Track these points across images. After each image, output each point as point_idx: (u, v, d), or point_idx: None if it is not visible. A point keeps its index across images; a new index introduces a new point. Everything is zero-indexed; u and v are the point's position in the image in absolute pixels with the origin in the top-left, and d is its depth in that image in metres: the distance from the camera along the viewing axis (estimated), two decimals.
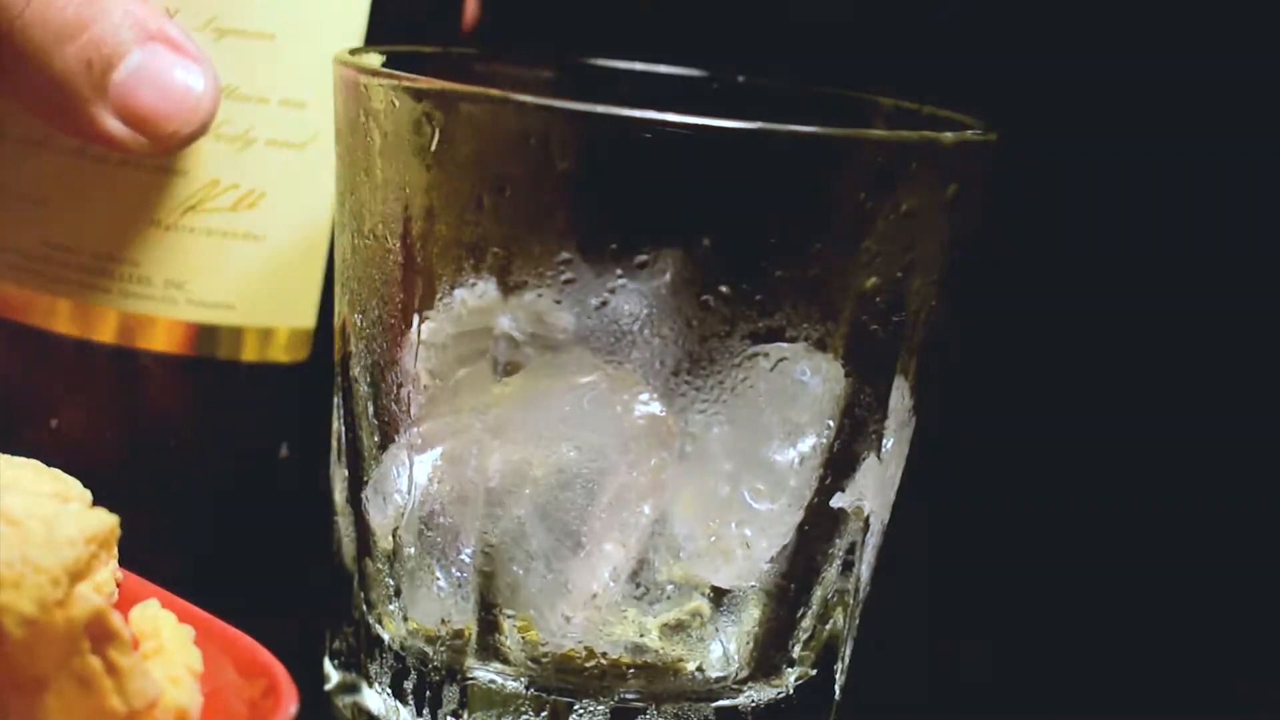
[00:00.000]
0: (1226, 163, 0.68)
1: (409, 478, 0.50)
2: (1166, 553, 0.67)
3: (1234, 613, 0.65)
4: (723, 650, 0.50)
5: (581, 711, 0.49)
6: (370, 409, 0.51)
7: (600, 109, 0.46)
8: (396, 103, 0.48)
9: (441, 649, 0.50)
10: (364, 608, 0.52)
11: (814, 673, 0.52)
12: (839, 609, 0.51)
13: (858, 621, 0.53)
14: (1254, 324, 0.69)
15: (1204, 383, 0.70)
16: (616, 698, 0.49)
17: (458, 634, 0.50)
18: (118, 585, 0.46)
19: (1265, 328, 0.69)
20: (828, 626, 0.51)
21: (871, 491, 0.50)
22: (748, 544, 0.49)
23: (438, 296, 0.48)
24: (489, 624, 0.49)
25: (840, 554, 0.50)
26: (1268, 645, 0.64)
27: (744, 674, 0.50)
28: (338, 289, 0.52)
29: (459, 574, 0.49)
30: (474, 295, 0.48)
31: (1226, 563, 0.67)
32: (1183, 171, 0.69)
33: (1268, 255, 0.68)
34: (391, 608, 0.51)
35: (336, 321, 0.52)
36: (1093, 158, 0.69)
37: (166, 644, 0.44)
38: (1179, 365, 0.70)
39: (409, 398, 0.49)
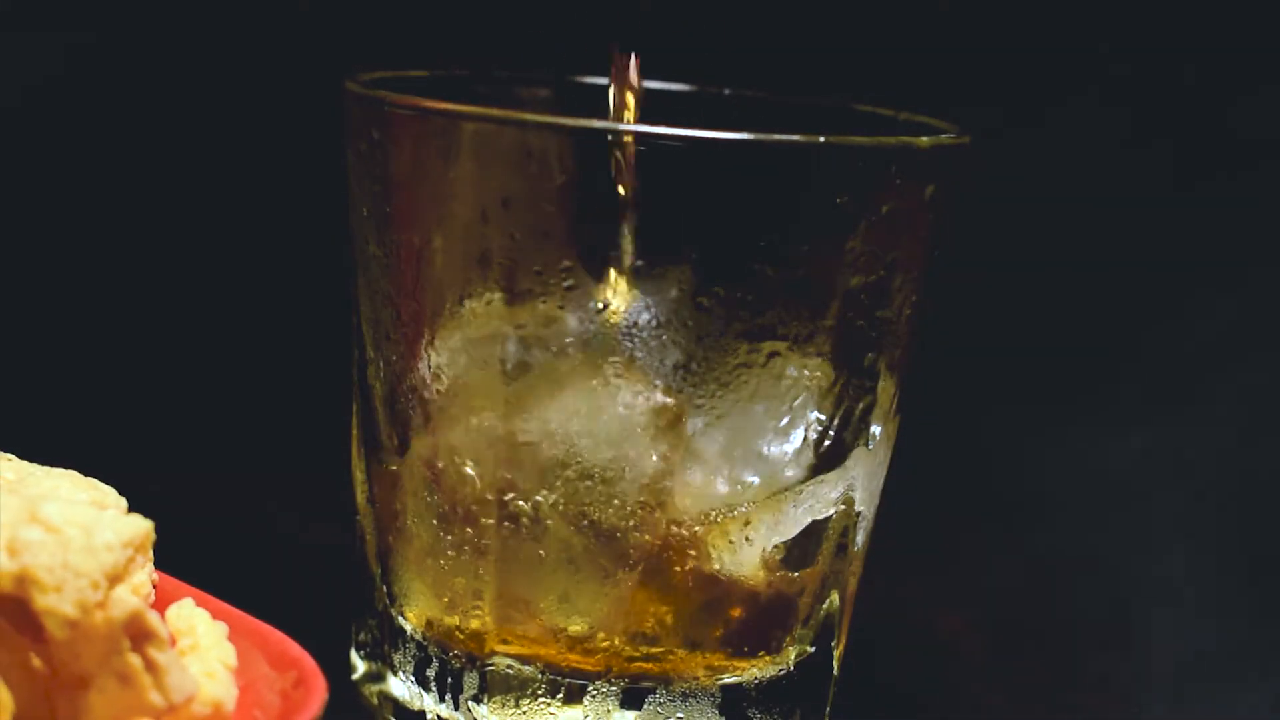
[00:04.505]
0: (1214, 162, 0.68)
1: (425, 477, 0.50)
2: (1159, 544, 0.67)
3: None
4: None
5: (595, 693, 0.49)
6: (387, 413, 0.51)
7: (596, 124, 0.46)
8: (405, 123, 0.48)
9: (461, 637, 0.50)
10: (387, 601, 0.52)
11: (813, 650, 0.52)
12: (835, 590, 0.51)
13: (853, 601, 0.53)
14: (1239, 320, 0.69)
15: (1197, 380, 0.69)
16: (628, 678, 0.49)
17: (477, 623, 0.50)
18: (154, 586, 0.46)
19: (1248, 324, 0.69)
20: (824, 606, 0.51)
21: (862, 478, 0.50)
22: (748, 532, 0.49)
23: (448, 305, 0.48)
24: (506, 613, 0.49)
25: (835, 537, 0.50)
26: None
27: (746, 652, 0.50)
28: (354, 299, 0.52)
29: (478, 567, 0.49)
30: (482, 303, 0.48)
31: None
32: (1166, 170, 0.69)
33: (1258, 252, 0.68)
34: (413, 600, 0.51)
35: (353, 330, 0.52)
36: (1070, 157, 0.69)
37: (202, 641, 0.44)
38: (1170, 360, 0.69)
39: (424, 402, 0.50)
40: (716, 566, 0.49)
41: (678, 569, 0.49)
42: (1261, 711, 0.59)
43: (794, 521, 0.49)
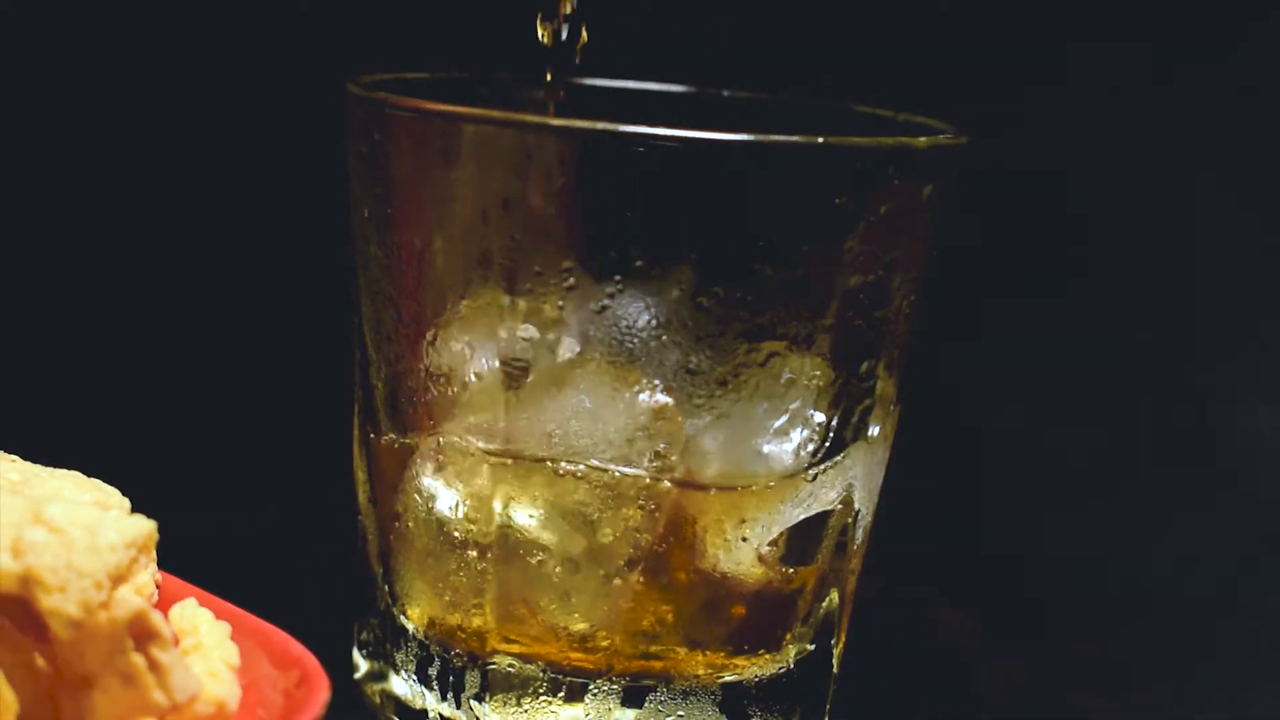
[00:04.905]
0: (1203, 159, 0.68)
1: (428, 477, 0.50)
2: (1159, 542, 0.67)
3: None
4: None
5: (595, 691, 0.49)
6: (388, 414, 0.51)
7: (595, 126, 0.46)
8: (406, 125, 0.48)
9: (463, 636, 0.50)
10: (389, 600, 0.52)
11: (812, 648, 0.52)
12: (834, 588, 0.51)
13: (852, 599, 0.53)
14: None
15: (1193, 379, 0.69)
16: (629, 677, 0.50)
17: (478, 622, 0.50)
18: (157, 586, 0.46)
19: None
20: (824, 604, 0.51)
21: (861, 476, 0.50)
22: (746, 530, 0.49)
23: (449, 306, 0.49)
24: (507, 612, 0.50)
25: (834, 536, 0.51)
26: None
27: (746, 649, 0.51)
28: (356, 300, 0.52)
29: (479, 566, 0.49)
30: (483, 304, 0.48)
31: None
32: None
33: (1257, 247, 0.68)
34: (414, 599, 0.51)
35: (354, 331, 0.53)
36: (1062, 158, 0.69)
37: (205, 640, 0.44)
38: (1167, 359, 0.69)
39: (425, 402, 0.50)
40: (716, 565, 0.49)
41: (677, 567, 0.49)
42: (1265, 712, 0.59)
43: (793, 520, 0.49)
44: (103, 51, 0.73)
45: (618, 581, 0.49)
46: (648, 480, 0.48)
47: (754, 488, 0.49)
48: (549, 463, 0.48)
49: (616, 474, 0.48)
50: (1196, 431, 0.69)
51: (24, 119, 0.72)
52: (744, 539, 0.49)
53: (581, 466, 0.48)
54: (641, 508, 0.48)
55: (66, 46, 0.72)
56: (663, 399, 0.48)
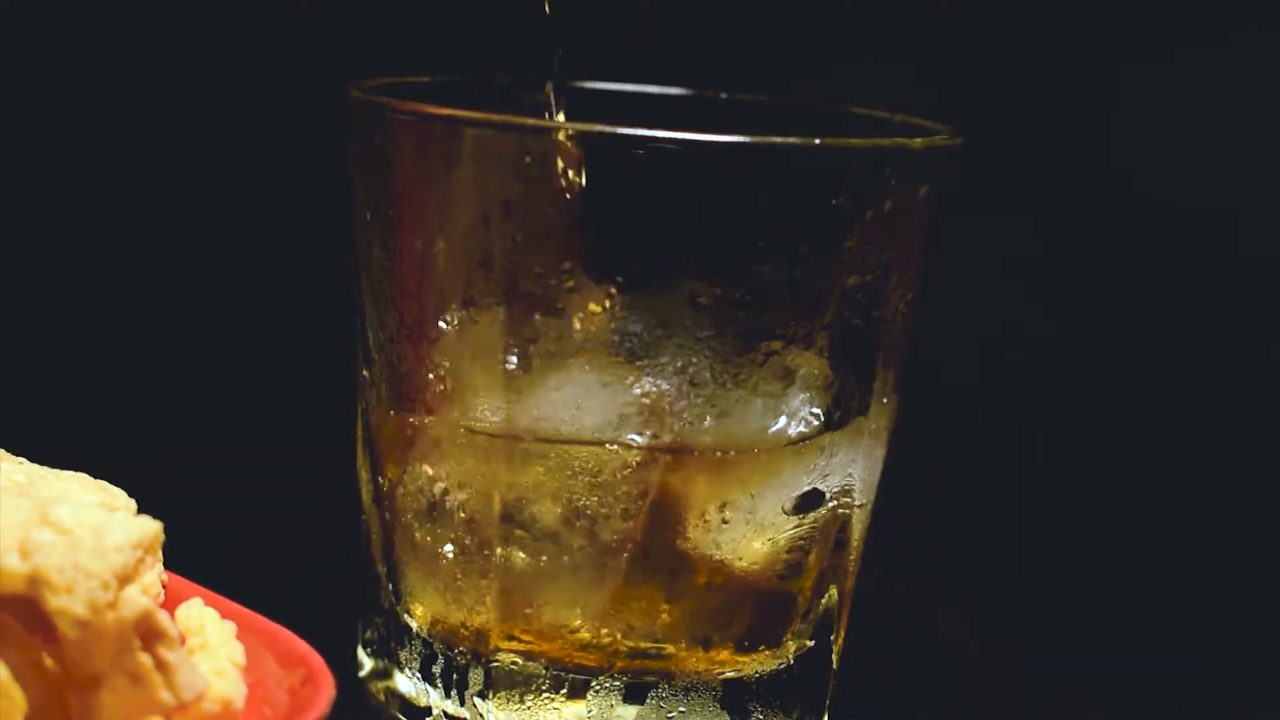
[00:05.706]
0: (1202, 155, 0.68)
1: (429, 476, 0.50)
2: (1162, 539, 0.67)
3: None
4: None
5: (598, 688, 0.50)
6: (390, 413, 0.51)
7: (594, 128, 0.46)
8: (407, 128, 0.49)
9: (466, 634, 0.51)
10: (392, 599, 0.53)
11: (812, 644, 0.52)
12: (833, 584, 0.52)
13: (851, 595, 0.53)
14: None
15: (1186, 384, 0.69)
16: (630, 673, 0.50)
17: (481, 620, 0.50)
18: (163, 586, 0.46)
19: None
20: (823, 600, 0.52)
21: (860, 474, 0.51)
22: (747, 526, 0.49)
23: (450, 307, 0.49)
24: (510, 609, 0.50)
25: (833, 533, 0.51)
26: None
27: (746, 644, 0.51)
28: (358, 302, 0.53)
29: (481, 563, 0.50)
30: (484, 304, 0.48)
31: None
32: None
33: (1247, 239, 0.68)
34: (418, 598, 0.52)
35: (357, 332, 0.53)
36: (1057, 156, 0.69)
37: (211, 639, 0.45)
38: (1163, 361, 0.69)
39: (426, 402, 0.50)
40: (715, 561, 0.49)
41: (678, 565, 0.49)
42: (1259, 711, 0.59)
43: (791, 517, 0.50)
44: (103, 53, 0.73)
45: (621, 576, 0.49)
46: (648, 474, 0.48)
47: (753, 483, 0.49)
48: (551, 460, 0.48)
49: (618, 469, 0.48)
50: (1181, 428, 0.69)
51: (25, 119, 0.73)
52: (744, 535, 0.49)
53: (584, 461, 0.48)
54: (643, 501, 0.48)
55: (67, 47, 0.73)
56: (663, 394, 0.48)
